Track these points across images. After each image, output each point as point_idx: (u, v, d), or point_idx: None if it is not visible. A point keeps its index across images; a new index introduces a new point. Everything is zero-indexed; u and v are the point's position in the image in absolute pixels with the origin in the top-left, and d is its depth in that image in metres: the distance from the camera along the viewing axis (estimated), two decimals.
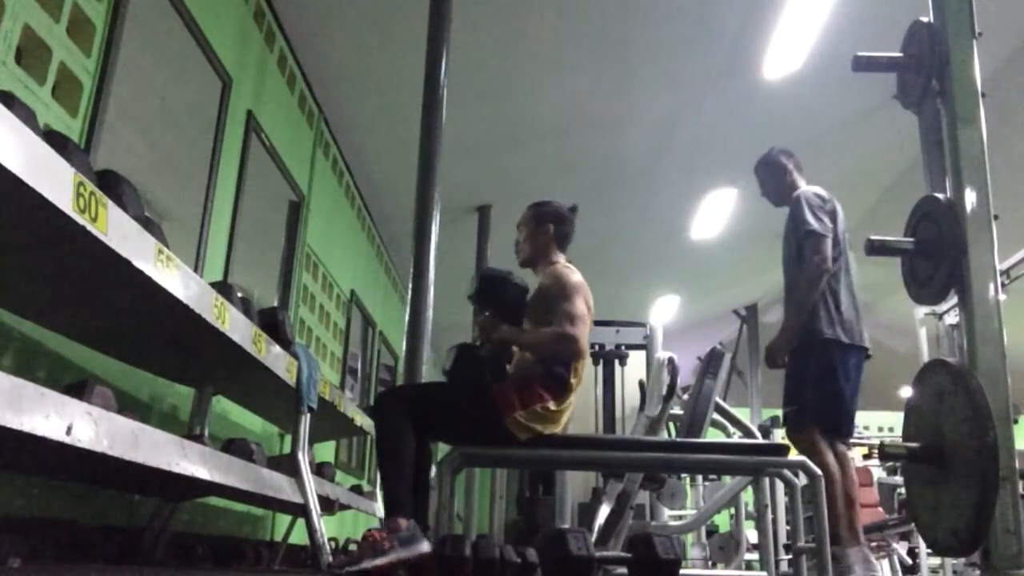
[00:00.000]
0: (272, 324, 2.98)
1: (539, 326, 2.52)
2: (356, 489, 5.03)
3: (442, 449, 2.60)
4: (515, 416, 2.35)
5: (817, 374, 2.87)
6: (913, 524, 3.55)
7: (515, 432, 2.35)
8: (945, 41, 2.19)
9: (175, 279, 2.03)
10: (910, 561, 5.59)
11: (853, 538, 2.73)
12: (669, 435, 4.21)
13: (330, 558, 2.99)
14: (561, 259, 2.70)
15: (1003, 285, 4.60)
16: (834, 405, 2.87)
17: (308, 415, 3.21)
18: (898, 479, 7.18)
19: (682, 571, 2.27)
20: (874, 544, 5.53)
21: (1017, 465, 1.89)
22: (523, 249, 2.75)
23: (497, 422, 2.34)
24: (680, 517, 6.22)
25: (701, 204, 7.52)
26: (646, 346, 4.94)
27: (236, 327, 2.47)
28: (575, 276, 2.57)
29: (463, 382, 2.47)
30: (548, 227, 2.70)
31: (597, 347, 4.85)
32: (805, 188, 3.11)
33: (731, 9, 4.92)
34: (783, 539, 5.02)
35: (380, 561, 2.08)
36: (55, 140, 1.62)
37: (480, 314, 2.73)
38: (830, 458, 2.79)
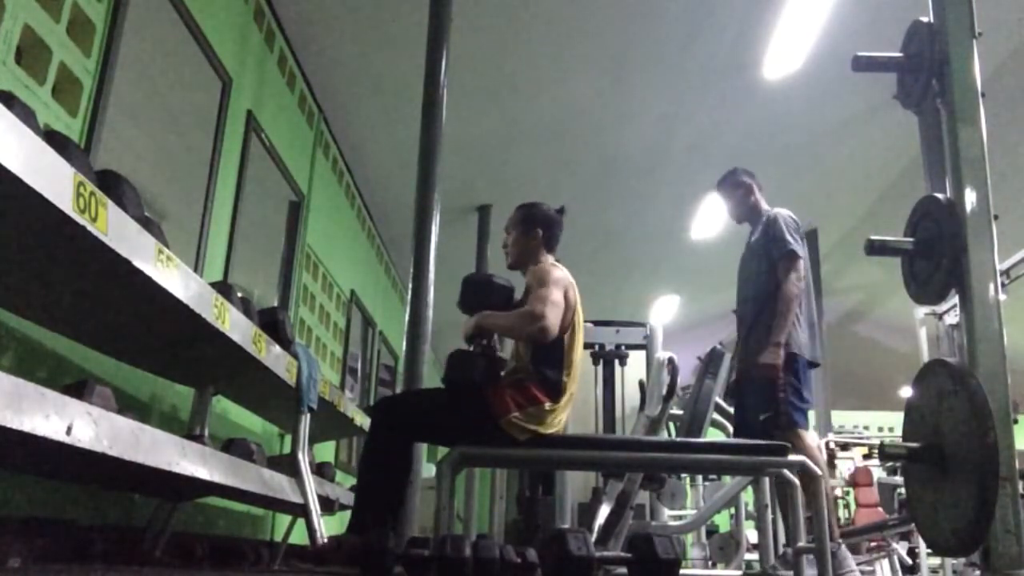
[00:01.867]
0: (272, 324, 2.98)
1: None
2: (354, 489, 5.02)
3: (442, 449, 2.60)
4: (510, 417, 2.35)
5: (786, 383, 3.06)
6: (913, 524, 3.55)
7: (512, 433, 2.35)
8: (945, 41, 2.19)
9: (175, 279, 2.02)
10: (910, 561, 5.59)
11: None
12: (669, 435, 4.20)
13: None
14: (548, 259, 2.69)
15: (1003, 285, 4.59)
16: (804, 410, 3.11)
17: (308, 415, 3.21)
18: (898, 479, 7.18)
19: (682, 571, 2.27)
20: (874, 544, 5.54)
21: (1017, 465, 1.88)
22: (511, 251, 2.74)
23: (494, 424, 2.35)
24: (680, 517, 6.21)
25: (701, 204, 7.52)
26: (646, 346, 4.94)
27: (236, 327, 2.47)
28: (557, 271, 2.57)
29: (458, 387, 2.48)
30: (537, 230, 2.70)
31: (597, 347, 4.85)
32: (781, 209, 3.32)
33: (731, 9, 4.93)
34: (783, 539, 5.02)
35: (319, 569, 2.24)
36: (55, 140, 1.62)
37: None
38: (823, 458, 2.89)
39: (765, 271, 3.24)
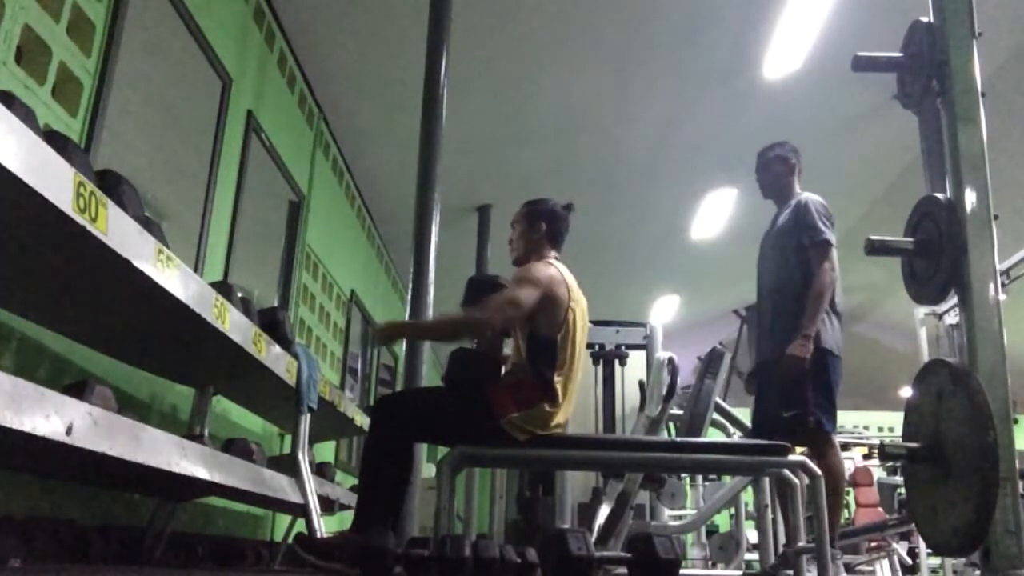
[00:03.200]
0: (272, 324, 2.99)
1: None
2: (356, 489, 5.02)
3: (442, 449, 2.60)
4: (510, 417, 2.35)
5: (817, 380, 2.92)
6: (913, 524, 3.55)
7: (512, 433, 2.35)
8: (945, 41, 2.19)
9: (175, 279, 2.03)
10: (910, 561, 5.59)
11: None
12: (669, 435, 4.20)
13: None
14: (550, 255, 2.65)
15: (1003, 285, 4.60)
16: (832, 409, 2.97)
17: (308, 415, 3.21)
18: (898, 479, 7.19)
19: (682, 571, 2.27)
20: (874, 544, 5.54)
21: (1017, 465, 1.89)
22: (516, 247, 2.71)
23: (494, 424, 2.35)
24: (680, 517, 6.21)
25: (701, 204, 7.52)
26: (646, 346, 4.94)
27: (236, 327, 2.47)
28: (545, 270, 2.51)
29: (459, 386, 2.48)
30: (540, 225, 2.66)
31: (597, 347, 4.85)
32: (812, 195, 3.14)
33: (731, 9, 4.92)
34: (783, 539, 5.02)
35: (322, 564, 2.30)
36: (55, 140, 1.62)
37: None
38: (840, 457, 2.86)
39: (791, 257, 3.07)
